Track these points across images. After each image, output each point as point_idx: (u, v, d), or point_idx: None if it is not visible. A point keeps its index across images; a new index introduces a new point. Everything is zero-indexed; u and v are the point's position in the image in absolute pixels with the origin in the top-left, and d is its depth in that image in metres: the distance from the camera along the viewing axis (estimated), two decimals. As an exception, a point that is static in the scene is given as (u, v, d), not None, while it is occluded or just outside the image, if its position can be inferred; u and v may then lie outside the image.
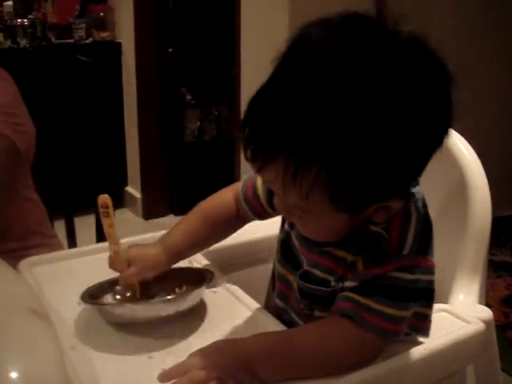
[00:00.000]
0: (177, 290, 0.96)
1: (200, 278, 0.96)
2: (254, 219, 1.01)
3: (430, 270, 0.81)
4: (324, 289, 0.86)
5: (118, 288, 0.96)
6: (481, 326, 0.87)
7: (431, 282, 0.81)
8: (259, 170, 0.75)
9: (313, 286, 0.87)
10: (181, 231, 0.99)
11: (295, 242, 0.92)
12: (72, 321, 0.91)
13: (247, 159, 0.76)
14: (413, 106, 0.70)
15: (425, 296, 0.81)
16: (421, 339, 0.84)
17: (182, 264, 1.01)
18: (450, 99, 0.74)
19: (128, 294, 0.94)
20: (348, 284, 0.81)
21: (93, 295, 0.93)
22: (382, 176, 0.72)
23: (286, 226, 0.95)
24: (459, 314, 0.90)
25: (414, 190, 0.82)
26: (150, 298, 0.93)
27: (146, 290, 0.95)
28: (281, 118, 0.70)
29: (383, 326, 0.77)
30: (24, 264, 1.06)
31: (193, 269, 1.03)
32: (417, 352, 0.81)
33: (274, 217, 1.00)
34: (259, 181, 0.96)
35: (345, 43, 0.70)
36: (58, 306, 0.93)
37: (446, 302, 0.95)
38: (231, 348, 0.78)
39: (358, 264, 0.81)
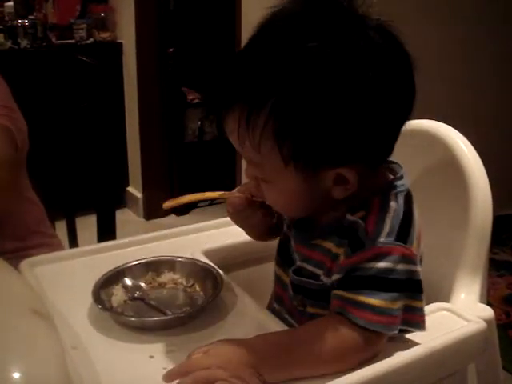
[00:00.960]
0: (183, 282, 1.02)
1: (207, 274, 1.01)
2: None
3: (410, 260, 0.79)
4: (314, 282, 0.87)
5: (127, 283, 0.99)
6: (482, 325, 0.87)
7: (414, 272, 0.80)
8: (223, 123, 0.80)
9: (304, 279, 0.88)
10: None
11: (292, 243, 0.93)
12: (73, 321, 0.91)
13: (217, 117, 0.81)
14: (371, 69, 0.73)
15: (410, 287, 0.80)
16: (421, 339, 0.83)
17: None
18: (410, 77, 0.77)
19: (137, 292, 0.99)
20: (334, 277, 0.82)
21: (102, 290, 0.95)
22: (329, 135, 0.74)
23: (285, 227, 0.96)
24: (460, 312, 0.90)
25: (397, 182, 0.83)
26: (160, 285, 1.01)
27: (157, 277, 1.02)
28: (237, 69, 0.77)
29: (372, 319, 0.77)
30: (25, 264, 1.07)
31: (200, 264, 1.04)
32: (418, 351, 0.81)
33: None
34: None
35: (309, 10, 0.76)
36: (59, 306, 0.94)
37: (447, 300, 0.95)
38: (236, 348, 0.78)
39: (340, 256, 0.82)
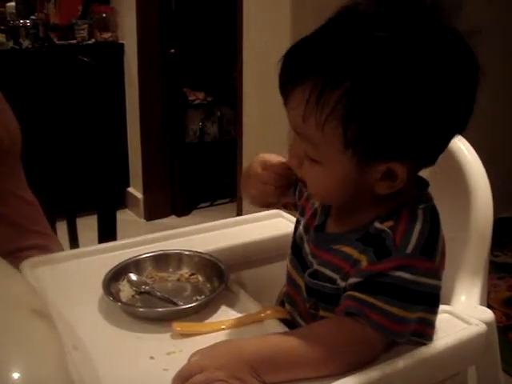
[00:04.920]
0: (186, 275, 1.04)
1: (213, 269, 1.02)
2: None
3: (434, 275, 0.80)
4: (330, 285, 0.86)
5: (133, 278, 1.01)
6: (482, 328, 0.87)
7: (435, 287, 0.81)
8: (287, 98, 0.80)
9: (320, 283, 0.88)
10: None
11: (306, 246, 0.93)
12: (74, 321, 0.91)
13: (282, 91, 0.81)
14: (443, 76, 0.75)
15: (429, 301, 0.81)
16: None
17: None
18: (475, 87, 0.78)
19: (143, 286, 1.00)
20: (351, 280, 0.82)
21: (111, 285, 0.98)
22: (396, 127, 0.75)
23: (301, 229, 0.96)
24: (460, 315, 0.90)
25: (425, 196, 0.85)
26: (162, 279, 1.03)
27: (163, 268, 1.05)
28: (319, 43, 0.77)
29: (386, 325, 0.78)
30: (26, 264, 1.07)
31: (205, 258, 1.06)
32: (418, 353, 0.81)
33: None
34: None
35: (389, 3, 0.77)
36: (60, 307, 0.94)
37: (447, 303, 0.95)
38: (235, 349, 0.78)
39: (362, 262, 0.82)
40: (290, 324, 0.92)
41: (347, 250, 0.85)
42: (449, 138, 0.82)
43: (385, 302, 0.78)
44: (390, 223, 0.81)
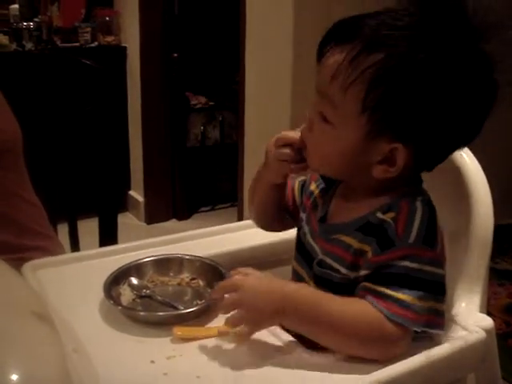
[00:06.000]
0: (187, 279, 1.04)
1: (211, 269, 1.03)
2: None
3: (438, 263, 0.84)
4: (337, 275, 0.89)
5: (133, 282, 1.01)
6: (481, 335, 0.87)
7: (440, 276, 0.84)
8: (324, 55, 0.85)
9: (328, 271, 0.91)
10: None
11: (310, 238, 0.97)
12: (74, 324, 0.91)
13: (321, 48, 0.86)
14: (462, 86, 0.82)
15: (435, 289, 0.83)
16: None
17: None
18: (489, 107, 0.85)
19: (144, 290, 1.01)
20: (362, 272, 0.86)
21: (111, 289, 0.97)
22: (412, 108, 0.81)
23: (303, 220, 1.00)
24: (460, 322, 0.90)
25: (422, 190, 0.90)
26: (163, 283, 1.03)
27: (164, 272, 1.05)
28: (368, 18, 0.83)
29: (396, 311, 0.80)
30: (27, 267, 1.07)
31: (206, 263, 1.06)
32: (417, 360, 0.81)
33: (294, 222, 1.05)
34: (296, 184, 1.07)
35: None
36: (60, 309, 0.94)
37: (447, 309, 0.95)
38: (278, 283, 0.86)
39: (367, 252, 0.85)
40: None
41: (346, 239, 0.89)
42: (454, 146, 0.88)
43: (393, 290, 0.81)
44: (392, 214, 0.85)
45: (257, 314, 0.84)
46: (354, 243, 0.87)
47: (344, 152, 0.86)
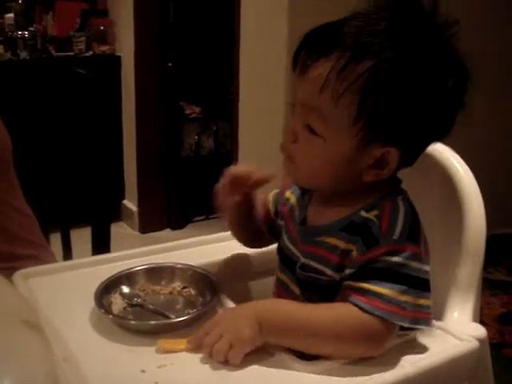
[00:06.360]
0: (179, 288, 1.04)
1: (205, 282, 1.02)
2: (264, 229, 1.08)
3: (420, 258, 0.83)
4: (323, 278, 0.89)
5: (125, 290, 1.01)
6: (474, 344, 0.87)
7: (423, 271, 0.83)
8: (307, 68, 0.83)
9: (312, 275, 0.90)
10: None
11: (289, 244, 0.97)
12: (65, 333, 0.91)
13: (294, 63, 0.87)
14: (437, 80, 0.82)
15: (419, 284, 0.83)
16: (412, 358, 0.84)
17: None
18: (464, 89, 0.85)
19: (135, 299, 1.00)
20: (347, 271, 0.85)
21: (103, 297, 0.97)
22: (403, 110, 0.82)
23: (283, 230, 1.01)
24: (453, 331, 0.90)
25: (401, 189, 0.90)
26: (155, 292, 1.03)
27: (156, 281, 1.04)
28: (347, 24, 0.82)
29: (378, 306, 0.80)
30: (18, 275, 1.06)
31: (198, 272, 1.05)
32: (409, 369, 0.81)
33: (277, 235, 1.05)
34: (272, 192, 1.08)
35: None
36: (51, 318, 0.93)
37: (440, 319, 0.95)
38: (248, 308, 0.86)
39: (353, 252, 0.85)
40: None
41: (331, 240, 0.88)
42: (434, 140, 0.89)
43: (375, 285, 0.81)
44: (375, 212, 0.85)
45: (237, 334, 0.82)
46: (341, 244, 0.87)
47: (335, 162, 0.85)
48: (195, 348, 0.85)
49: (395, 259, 0.81)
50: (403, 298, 0.81)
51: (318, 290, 0.89)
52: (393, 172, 0.87)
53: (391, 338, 0.82)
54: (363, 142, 0.83)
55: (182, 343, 0.87)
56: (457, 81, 0.84)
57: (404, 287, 0.81)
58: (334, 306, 0.84)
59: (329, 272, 0.88)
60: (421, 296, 0.83)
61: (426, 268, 0.84)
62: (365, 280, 0.82)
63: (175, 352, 0.86)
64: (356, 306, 0.81)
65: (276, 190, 1.07)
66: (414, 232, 0.84)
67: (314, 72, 0.82)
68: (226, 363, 0.82)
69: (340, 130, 0.83)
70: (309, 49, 0.83)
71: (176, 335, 0.89)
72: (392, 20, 0.82)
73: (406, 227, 0.83)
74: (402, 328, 0.83)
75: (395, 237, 0.82)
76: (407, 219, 0.84)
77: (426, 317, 0.84)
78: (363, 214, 0.86)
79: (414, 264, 0.82)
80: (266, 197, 1.07)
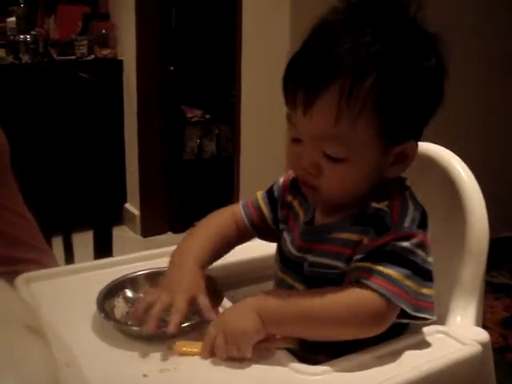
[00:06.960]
0: None
1: (208, 287, 0.98)
2: (252, 234, 1.07)
3: (427, 248, 0.86)
4: (332, 271, 0.90)
5: (128, 294, 1.01)
6: (477, 348, 0.87)
7: (428, 263, 0.86)
8: (311, 105, 0.82)
9: (323, 270, 0.91)
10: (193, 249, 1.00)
11: (290, 246, 0.97)
12: (67, 337, 0.90)
13: (291, 107, 0.85)
14: (430, 73, 0.86)
15: (424, 274, 0.85)
16: (415, 362, 0.83)
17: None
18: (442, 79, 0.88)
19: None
20: (356, 257, 0.86)
21: (105, 302, 0.96)
22: (415, 105, 0.85)
23: (285, 233, 1.01)
24: (456, 335, 0.90)
25: (406, 183, 0.93)
26: None
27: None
28: (335, 48, 0.81)
29: (385, 286, 0.81)
30: (20, 280, 1.06)
31: None
32: (412, 374, 0.80)
33: (271, 237, 1.06)
34: (260, 198, 1.06)
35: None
36: (53, 323, 0.93)
37: (442, 323, 0.95)
38: (245, 300, 0.88)
39: (364, 240, 0.87)
40: (296, 352, 0.92)
41: (344, 236, 0.89)
42: (435, 110, 0.91)
43: (382, 266, 0.82)
44: (386, 203, 0.87)
45: (242, 330, 0.84)
46: (354, 236, 0.88)
47: (365, 174, 0.88)
48: (210, 356, 0.85)
49: (404, 244, 0.83)
50: (408, 282, 0.83)
51: (325, 284, 0.89)
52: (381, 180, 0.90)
53: (391, 319, 0.84)
54: (387, 147, 0.86)
55: (198, 346, 0.87)
56: (438, 55, 0.86)
57: (409, 272, 0.83)
58: (335, 288, 0.85)
59: (340, 265, 0.89)
60: (424, 285, 0.85)
61: (430, 259, 0.87)
62: (373, 262, 0.83)
63: (192, 355, 0.86)
64: (360, 283, 0.82)
65: (261, 192, 1.06)
66: (423, 221, 0.87)
67: (321, 106, 0.82)
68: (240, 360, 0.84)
69: (362, 146, 0.84)
70: (305, 88, 0.82)
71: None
72: (376, 26, 0.83)
73: (416, 216, 0.86)
74: (406, 317, 0.84)
75: (406, 224, 0.85)
76: (417, 209, 0.87)
77: (428, 306, 0.85)
78: (375, 205, 0.87)
79: (421, 252, 0.85)
80: (252, 200, 1.06)
